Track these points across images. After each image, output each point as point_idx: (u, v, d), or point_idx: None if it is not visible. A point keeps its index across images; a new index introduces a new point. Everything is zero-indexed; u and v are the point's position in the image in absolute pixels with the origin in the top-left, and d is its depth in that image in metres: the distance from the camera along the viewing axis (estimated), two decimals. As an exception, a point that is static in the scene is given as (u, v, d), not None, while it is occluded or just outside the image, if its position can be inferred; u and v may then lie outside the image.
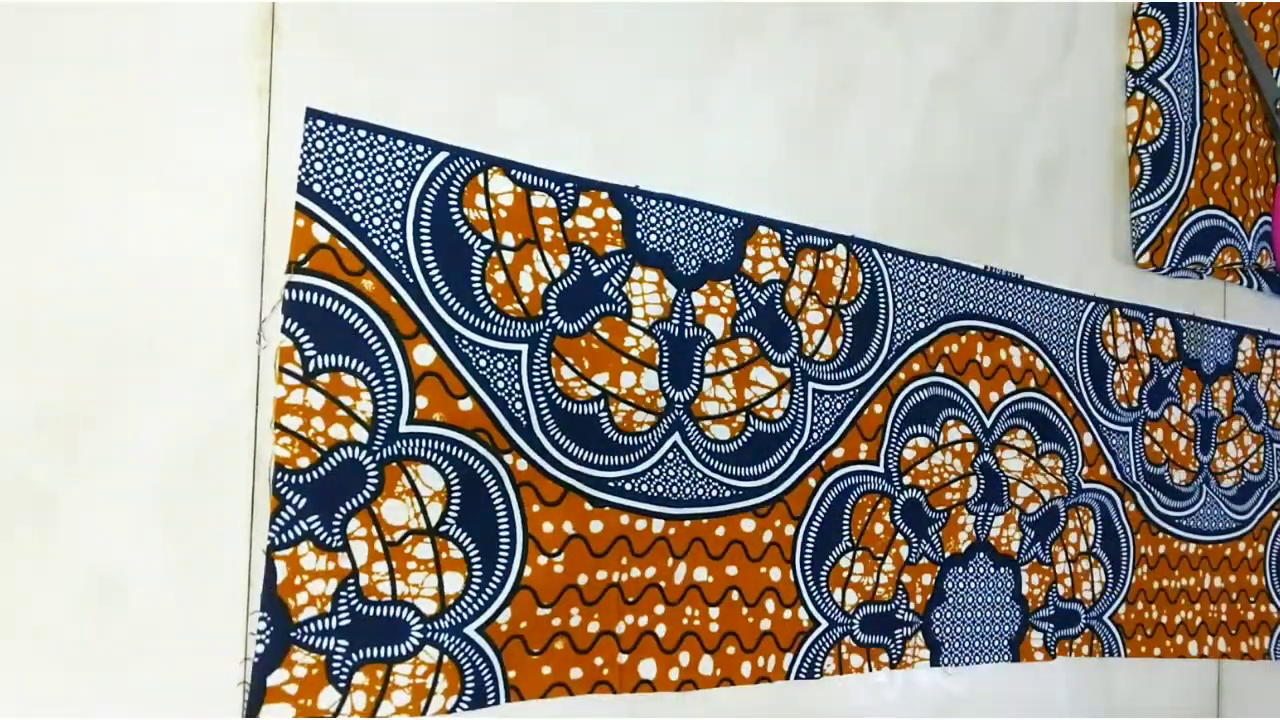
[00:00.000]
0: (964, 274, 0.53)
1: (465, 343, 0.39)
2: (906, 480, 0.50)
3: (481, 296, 0.39)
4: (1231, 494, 0.64)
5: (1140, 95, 0.61)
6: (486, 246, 0.39)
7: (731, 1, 0.46)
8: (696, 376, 0.44)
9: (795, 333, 0.47)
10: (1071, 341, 0.57)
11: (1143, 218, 0.60)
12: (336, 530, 0.36)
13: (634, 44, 0.44)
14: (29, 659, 0.32)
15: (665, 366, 0.43)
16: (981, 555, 0.53)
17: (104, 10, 0.34)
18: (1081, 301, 0.58)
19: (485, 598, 0.39)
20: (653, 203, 0.43)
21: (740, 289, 0.46)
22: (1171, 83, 0.61)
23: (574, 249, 0.41)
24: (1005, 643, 0.53)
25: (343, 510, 0.36)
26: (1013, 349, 0.54)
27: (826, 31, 0.49)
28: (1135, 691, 0.60)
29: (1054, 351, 0.56)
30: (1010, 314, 0.54)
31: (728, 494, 0.45)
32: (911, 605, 0.50)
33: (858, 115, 0.50)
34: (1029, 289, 0.55)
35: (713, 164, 0.45)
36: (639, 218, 0.43)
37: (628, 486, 0.42)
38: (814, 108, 0.49)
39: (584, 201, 0.42)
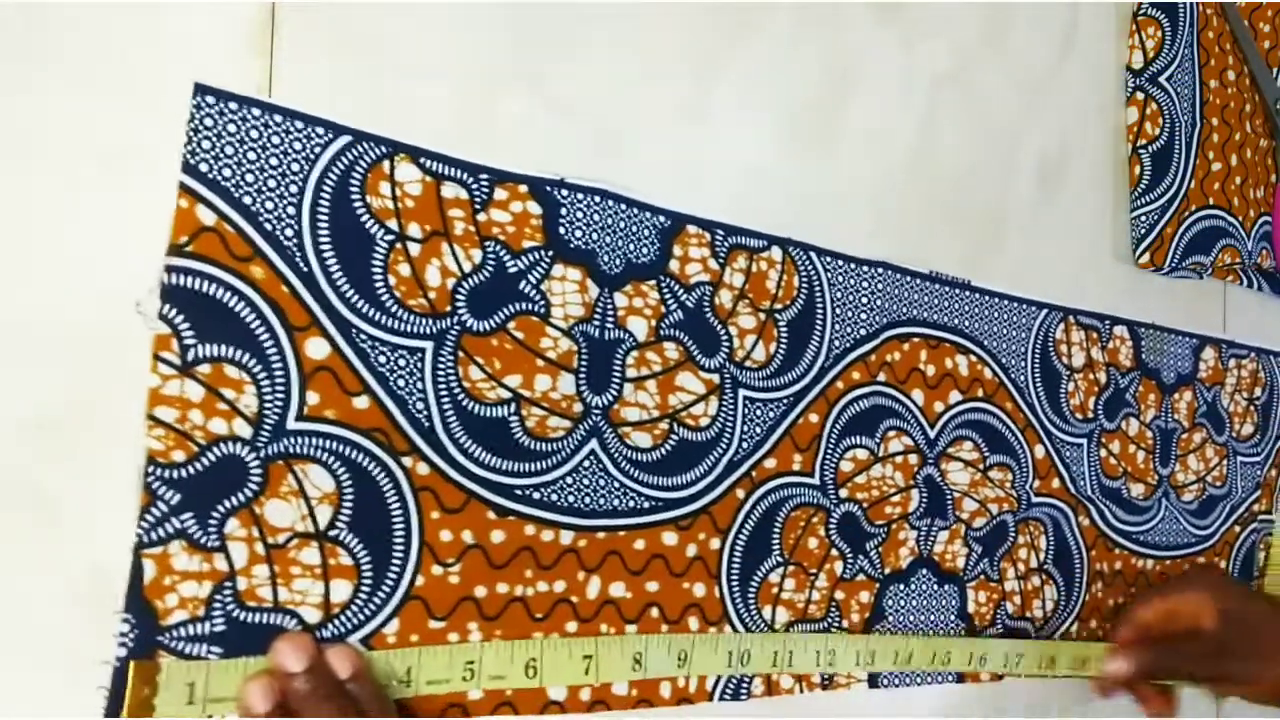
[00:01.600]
0: (908, 279, 0.51)
1: (364, 337, 0.37)
2: (843, 493, 0.48)
3: (383, 289, 0.37)
4: (1193, 508, 0.62)
5: (1140, 95, 0.60)
6: (390, 237, 0.37)
7: (731, 2, 0.45)
8: (617, 381, 0.42)
9: (725, 337, 0.45)
10: (1023, 350, 0.55)
11: (1143, 218, 0.59)
12: (213, 530, 0.34)
13: (633, 44, 0.43)
14: (29, 659, 0.32)
15: (584, 370, 0.41)
16: (924, 571, 0.50)
17: (103, 10, 0.33)
18: (1034, 308, 0.56)
19: (372, 607, 0.37)
20: (578, 197, 0.41)
21: (666, 290, 0.44)
22: (1171, 83, 0.60)
23: (487, 243, 0.39)
24: (947, 663, 0.51)
25: (221, 509, 0.34)
26: (959, 357, 0.52)
27: (826, 31, 0.48)
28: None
29: (1004, 360, 0.54)
30: (957, 320, 0.52)
31: (647, 505, 0.43)
32: (845, 624, 0.48)
33: (858, 115, 0.49)
34: (977, 295, 0.53)
35: (712, 163, 0.45)
36: (562, 212, 0.41)
37: (536, 495, 0.40)
38: (814, 108, 0.48)
39: (500, 194, 0.40)
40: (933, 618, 0.51)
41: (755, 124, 0.46)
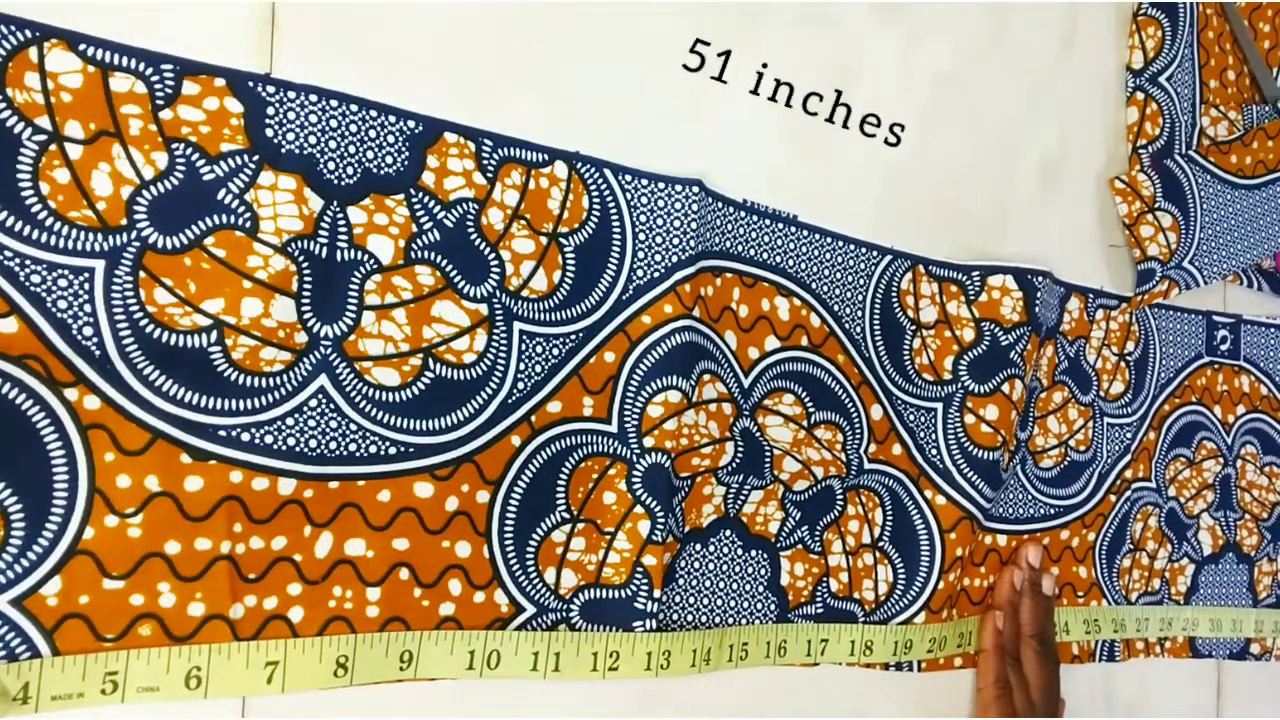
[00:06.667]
0: (725, 207, 0.44)
1: (9, 254, 0.32)
2: (649, 442, 0.42)
3: (34, 198, 0.32)
4: (1050, 475, 0.55)
5: (1140, 95, 0.59)
6: (41, 137, 0.32)
7: (732, 1, 0.45)
8: (353, 308, 0.37)
9: (496, 263, 0.39)
10: (860, 298, 0.48)
11: (1143, 217, 0.58)
12: None
13: (635, 43, 0.43)
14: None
15: (307, 293, 0.36)
16: (728, 533, 0.44)
17: (103, 10, 0.33)
18: (875, 253, 0.49)
19: (26, 563, 0.32)
20: (289, 95, 0.36)
21: (418, 206, 0.38)
22: (1171, 83, 0.59)
23: (175, 146, 0.34)
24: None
25: None
26: (779, 300, 0.46)
27: (826, 31, 0.48)
28: (1134, 691, 0.59)
29: (835, 308, 0.48)
30: (779, 259, 0.46)
31: (394, 451, 0.37)
32: (656, 592, 0.42)
33: (857, 115, 0.49)
34: (804, 232, 0.47)
35: (712, 163, 0.44)
36: (270, 111, 0.35)
37: (245, 437, 0.35)
38: (814, 107, 0.48)
39: (190, 88, 0.34)
40: (734, 585, 0.45)
41: (756, 124, 0.46)
